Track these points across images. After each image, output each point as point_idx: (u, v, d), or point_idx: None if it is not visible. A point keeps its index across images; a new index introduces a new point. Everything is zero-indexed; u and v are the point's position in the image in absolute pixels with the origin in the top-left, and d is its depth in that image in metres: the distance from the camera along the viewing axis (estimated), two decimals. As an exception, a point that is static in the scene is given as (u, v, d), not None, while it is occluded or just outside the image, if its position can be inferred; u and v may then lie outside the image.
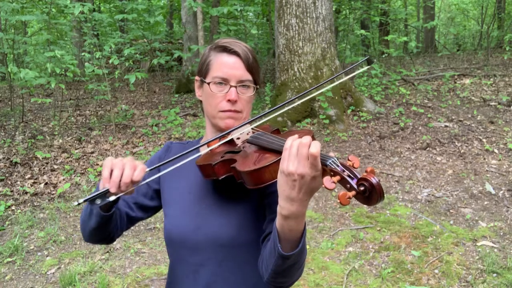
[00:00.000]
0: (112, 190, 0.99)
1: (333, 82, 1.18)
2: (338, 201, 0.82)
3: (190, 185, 1.28)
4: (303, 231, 0.98)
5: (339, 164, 0.88)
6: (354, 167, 0.87)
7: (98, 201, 1.00)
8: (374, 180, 0.82)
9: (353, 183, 0.84)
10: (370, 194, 0.83)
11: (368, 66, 1.19)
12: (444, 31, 16.73)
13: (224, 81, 1.22)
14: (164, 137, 6.36)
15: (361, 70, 1.18)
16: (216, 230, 1.19)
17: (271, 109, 1.13)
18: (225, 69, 1.22)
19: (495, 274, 3.23)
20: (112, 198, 1.01)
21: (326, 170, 0.89)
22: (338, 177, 0.85)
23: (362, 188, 0.83)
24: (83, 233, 1.27)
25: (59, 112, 7.31)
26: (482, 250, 3.52)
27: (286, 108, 1.13)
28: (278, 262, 0.98)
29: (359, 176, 0.84)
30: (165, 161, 1.07)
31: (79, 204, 1.00)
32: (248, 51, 1.24)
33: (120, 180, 0.99)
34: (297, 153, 0.89)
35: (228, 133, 1.14)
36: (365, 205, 0.92)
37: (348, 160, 0.89)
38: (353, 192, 0.83)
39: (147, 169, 1.05)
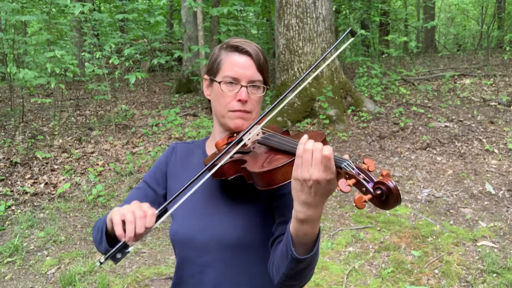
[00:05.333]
0: (130, 243, 1.00)
1: (322, 63, 1.16)
2: (354, 204, 0.81)
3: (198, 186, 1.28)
4: (318, 234, 0.98)
5: (354, 167, 0.87)
6: (370, 170, 0.86)
7: (119, 255, 1.02)
8: (391, 184, 0.81)
9: (369, 186, 0.83)
10: (387, 198, 0.82)
11: (353, 38, 1.18)
12: (444, 31, 16.72)
13: (234, 81, 1.21)
14: (164, 137, 6.36)
15: (347, 43, 1.17)
16: (222, 230, 1.18)
17: (276, 102, 1.11)
18: (236, 69, 1.21)
19: (495, 274, 3.23)
20: (131, 248, 1.02)
21: (341, 173, 0.88)
22: (353, 180, 0.85)
23: (379, 192, 0.82)
24: (97, 248, 1.27)
25: (59, 112, 7.31)
26: (482, 250, 3.52)
27: (289, 99, 1.13)
28: (291, 265, 0.98)
29: (375, 180, 0.83)
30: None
31: (101, 264, 1.01)
32: (259, 51, 1.24)
33: (134, 233, 0.99)
34: (311, 158, 0.88)
35: (239, 141, 1.13)
36: (381, 209, 0.91)
37: (363, 163, 0.88)
38: (369, 196, 0.82)
39: (156, 212, 1.05)
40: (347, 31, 1.18)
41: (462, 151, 5.41)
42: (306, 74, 1.13)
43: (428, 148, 5.55)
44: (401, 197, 0.84)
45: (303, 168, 0.89)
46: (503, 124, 6.11)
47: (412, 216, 4.13)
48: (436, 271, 3.31)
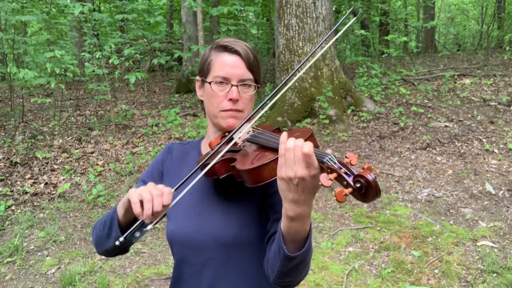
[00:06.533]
0: (147, 221, 1.01)
1: (326, 43, 1.18)
2: (334, 198, 0.82)
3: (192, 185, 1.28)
4: (309, 231, 0.98)
5: (336, 161, 0.88)
6: (351, 164, 0.87)
7: (138, 234, 1.03)
8: (370, 177, 0.81)
9: (350, 180, 0.84)
10: (366, 191, 0.82)
11: (355, 18, 1.21)
12: (444, 31, 16.71)
13: (225, 80, 1.22)
14: (164, 137, 6.36)
15: (350, 23, 1.18)
16: (218, 229, 1.19)
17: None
18: (226, 68, 1.21)
19: (495, 274, 3.23)
20: (149, 226, 1.02)
21: (323, 167, 0.89)
22: (335, 174, 0.85)
23: (358, 185, 0.83)
24: (97, 248, 1.27)
25: (59, 112, 7.31)
26: (482, 250, 3.52)
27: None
28: (284, 263, 0.99)
29: (355, 173, 0.84)
30: (188, 175, 1.08)
31: (120, 242, 1.02)
32: (249, 50, 1.24)
33: (152, 211, 1.00)
34: (293, 157, 0.89)
35: (230, 140, 1.13)
36: (361, 202, 0.92)
37: (346, 157, 0.88)
38: (350, 189, 0.83)
39: (173, 190, 1.06)
40: (350, 10, 1.19)
41: (462, 151, 5.41)
42: (310, 55, 1.14)
43: (428, 148, 5.55)
44: (381, 190, 0.84)
45: (287, 167, 0.90)
46: (503, 124, 6.11)
47: (412, 216, 4.13)
48: (436, 271, 3.31)
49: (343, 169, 0.86)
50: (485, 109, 6.74)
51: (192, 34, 8.91)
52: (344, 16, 1.19)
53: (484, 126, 6.09)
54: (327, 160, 0.88)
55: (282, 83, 1.13)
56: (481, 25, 12.41)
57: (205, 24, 8.26)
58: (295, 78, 1.16)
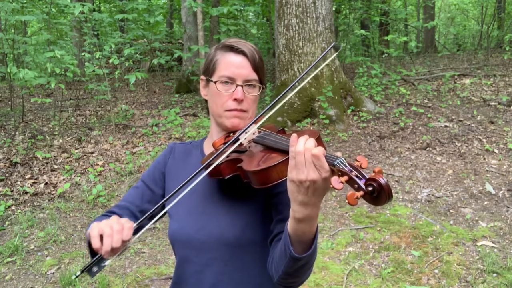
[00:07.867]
0: (106, 256, 1.00)
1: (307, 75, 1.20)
2: (346, 201, 0.83)
3: (194, 185, 1.28)
4: (315, 232, 0.98)
5: (347, 164, 0.88)
6: (362, 167, 0.87)
7: (95, 269, 1.01)
8: (382, 180, 0.82)
9: (361, 183, 0.84)
10: (379, 194, 0.83)
11: (337, 53, 1.22)
12: (444, 31, 16.72)
13: (230, 80, 1.22)
14: (164, 137, 6.36)
15: (331, 58, 1.20)
16: (221, 229, 1.19)
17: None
18: (231, 68, 1.22)
19: (495, 274, 3.23)
20: (108, 262, 1.02)
21: (334, 170, 0.89)
22: (346, 177, 0.85)
23: (370, 189, 0.83)
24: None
25: (59, 112, 7.31)
26: (482, 250, 3.52)
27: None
28: (290, 264, 0.99)
29: (367, 177, 0.84)
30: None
31: (77, 277, 1.02)
32: (255, 51, 1.25)
33: (111, 247, 0.99)
34: (304, 160, 0.88)
35: (236, 141, 1.13)
36: (372, 205, 0.92)
37: (356, 160, 0.89)
38: (361, 192, 0.83)
39: (134, 224, 1.05)
40: (331, 45, 1.21)
41: (462, 151, 5.41)
42: (293, 84, 1.15)
43: (428, 148, 5.55)
44: (393, 193, 0.85)
45: (297, 170, 0.89)
46: (503, 124, 6.11)
47: (412, 216, 4.13)
48: (436, 271, 3.31)
49: (354, 172, 0.86)
50: (485, 109, 6.74)
51: (192, 34, 8.90)
52: (327, 49, 1.20)
53: (484, 126, 6.09)
54: (338, 163, 0.88)
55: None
56: (481, 25, 12.41)
57: (205, 24, 8.25)
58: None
